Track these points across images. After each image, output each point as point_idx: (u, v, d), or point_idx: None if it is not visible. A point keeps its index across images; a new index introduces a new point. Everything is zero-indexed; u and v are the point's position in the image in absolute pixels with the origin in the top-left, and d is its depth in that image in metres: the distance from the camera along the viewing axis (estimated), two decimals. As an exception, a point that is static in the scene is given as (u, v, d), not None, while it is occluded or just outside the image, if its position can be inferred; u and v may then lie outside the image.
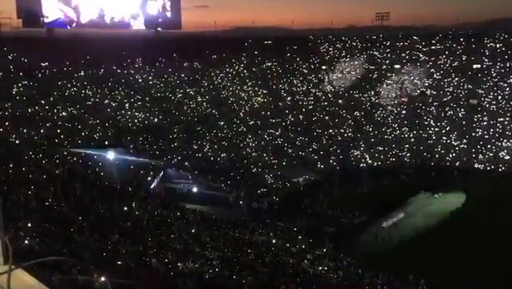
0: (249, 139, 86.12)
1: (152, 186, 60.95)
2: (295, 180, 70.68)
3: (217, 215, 48.14)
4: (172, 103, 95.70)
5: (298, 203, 62.57)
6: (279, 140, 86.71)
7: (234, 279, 26.10)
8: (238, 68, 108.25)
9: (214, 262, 29.24)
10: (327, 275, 36.02)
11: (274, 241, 41.86)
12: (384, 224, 54.84)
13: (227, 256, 31.92)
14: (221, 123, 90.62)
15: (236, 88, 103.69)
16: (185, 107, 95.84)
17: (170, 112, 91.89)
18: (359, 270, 39.24)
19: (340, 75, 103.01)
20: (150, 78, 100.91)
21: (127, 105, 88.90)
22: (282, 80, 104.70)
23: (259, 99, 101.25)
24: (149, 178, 62.60)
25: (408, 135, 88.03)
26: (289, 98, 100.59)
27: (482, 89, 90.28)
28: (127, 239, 29.08)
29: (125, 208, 40.20)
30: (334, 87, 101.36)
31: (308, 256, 39.32)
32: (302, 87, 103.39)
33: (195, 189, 64.47)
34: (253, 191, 65.28)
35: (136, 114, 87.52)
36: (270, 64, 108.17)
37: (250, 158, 79.01)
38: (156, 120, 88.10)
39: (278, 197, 64.30)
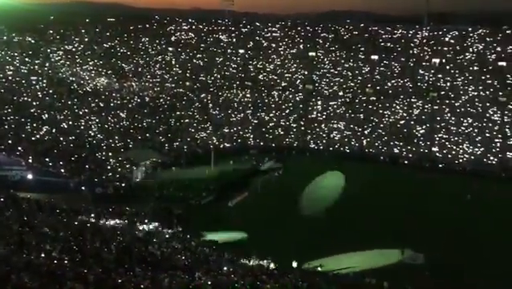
0: (92, 121, 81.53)
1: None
2: (142, 163, 69.18)
3: (57, 203, 44.88)
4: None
5: (145, 186, 61.50)
6: (125, 123, 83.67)
7: (77, 269, 24.70)
8: (78, 46, 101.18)
9: (53, 253, 27.29)
10: (176, 257, 36.15)
11: (120, 226, 40.58)
12: (230, 203, 56.94)
13: (68, 246, 30.02)
14: (59, 104, 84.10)
15: (76, 67, 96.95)
16: (17, 86, 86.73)
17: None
18: (207, 250, 40.19)
19: (187, 58, 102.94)
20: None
21: None
22: (127, 61, 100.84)
23: (102, 79, 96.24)
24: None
25: (252, 117, 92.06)
26: (134, 79, 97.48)
27: (317, 75, 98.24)
28: None
29: None
30: (181, 69, 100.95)
31: (156, 239, 39.01)
32: (149, 68, 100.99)
33: (30, 176, 59.11)
34: (96, 176, 62.18)
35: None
36: (113, 43, 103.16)
37: (94, 141, 74.93)
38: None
39: (125, 181, 62.32)
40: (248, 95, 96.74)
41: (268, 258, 40.55)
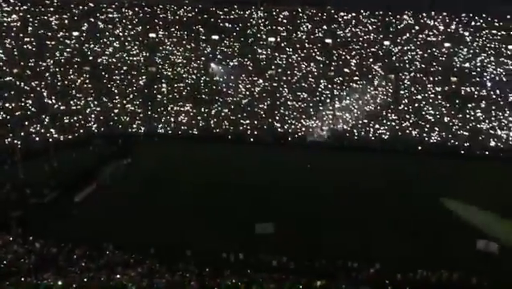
0: None
1: None
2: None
3: None
4: None
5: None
6: None
7: None
8: None
9: None
10: (18, 262, 33.59)
11: None
12: (77, 198, 53.81)
13: None
14: None
15: None
16: None
17: None
18: (54, 250, 37.90)
19: (13, 43, 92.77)
20: None
21: None
22: None
23: None
24: None
25: (94, 104, 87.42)
26: None
27: (159, 57, 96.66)
28: None
29: None
30: (6, 56, 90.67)
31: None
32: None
33: None
34: None
35: None
36: None
37: None
38: None
39: None
40: (87, 81, 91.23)
41: (123, 249, 39.81)
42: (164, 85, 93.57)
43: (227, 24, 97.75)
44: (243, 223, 46.28)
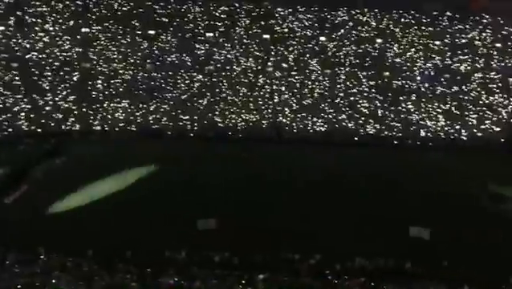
0: None
1: None
2: None
3: None
4: None
5: None
6: None
7: None
8: None
9: None
10: None
11: None
12: (7, 200, 51.22)
13: None
14: None
15: None
16: None
17: None
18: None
19: None
20: None
21: None
22: None
23: None
24: None
25: (24, 102, 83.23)
26: None
27: (93, 53, 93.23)
28: None
29: None
30: None
31: None
32: None
33: None
34: None
35: None
36: None
37: None
38: None
39: None
40: (17, 78, 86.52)
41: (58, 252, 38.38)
42: (99, 81, 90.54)
43: (164, 18, 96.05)
44: (184, 220, 45.82)
